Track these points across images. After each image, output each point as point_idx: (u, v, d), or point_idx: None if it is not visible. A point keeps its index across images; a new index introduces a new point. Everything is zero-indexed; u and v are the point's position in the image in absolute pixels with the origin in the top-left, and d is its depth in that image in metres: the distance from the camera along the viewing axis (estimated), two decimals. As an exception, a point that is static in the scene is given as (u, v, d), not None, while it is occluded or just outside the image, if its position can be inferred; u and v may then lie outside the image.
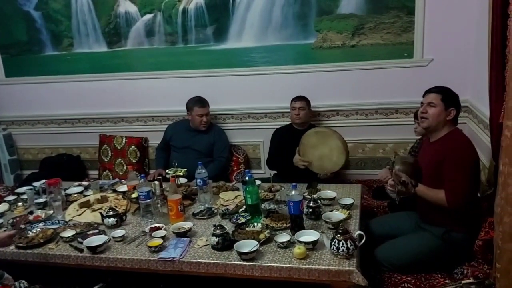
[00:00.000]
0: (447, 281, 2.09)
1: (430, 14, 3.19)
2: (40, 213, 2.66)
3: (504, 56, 1.96)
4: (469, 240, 2.17)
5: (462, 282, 1.92)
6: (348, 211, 2.39)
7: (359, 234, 2.05)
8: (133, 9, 3.74)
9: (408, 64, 3.33)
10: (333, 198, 2.54)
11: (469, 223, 2.21)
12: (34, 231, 2.40)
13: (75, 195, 2.96)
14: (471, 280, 1.91)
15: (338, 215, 2.32)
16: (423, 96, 2.33)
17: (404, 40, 3.29)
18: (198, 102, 3.45)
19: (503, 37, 1.97)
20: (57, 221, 2.55)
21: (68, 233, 2.33)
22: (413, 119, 2.98)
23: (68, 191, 3.01)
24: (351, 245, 1.92)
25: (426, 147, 2.41)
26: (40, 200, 2.85)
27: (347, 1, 3.31)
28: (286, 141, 3.28)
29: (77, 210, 2.67)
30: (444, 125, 2.25)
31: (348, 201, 2.49)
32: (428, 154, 2.32)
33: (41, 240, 2.29)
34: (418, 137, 2.99)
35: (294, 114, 3.30)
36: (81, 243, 2.23)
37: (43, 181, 2.99)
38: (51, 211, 2.67)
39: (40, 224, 2.51)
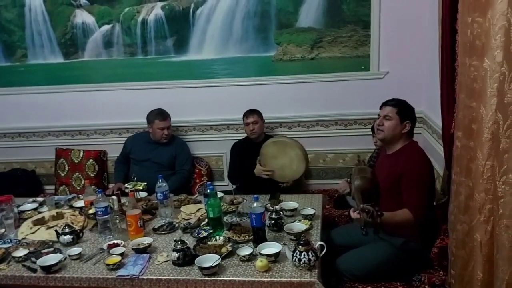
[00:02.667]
0: (405, 289, 2.15)
1: (385, 28, 3.31)
2: (-9, 232, 2.53)
3: (454, 70, 2.05)
4: (426, 248, 2.24)
5: (418, 290, 1.98)
6: (310, 222, 2.40)
7: (320, 245, 2.06)
8: (90, 19, 3.66)
9: (365, 76, 3.43)
10: (295, 209, 2.56)
11: (426, 232, 2.27)
12: (-16, 252, 2.28)
13: (29, 212, 2.82)
14: (426, 288, 1.96)
15: (299, 226, 2.33)
16: (380, 108, 2.39)
17: (361, 53, 3.39)
18: (159, 115, 3.40)
19: (452, 51, 2.06)
20: (9, 240, 2.42)
21: (21, 252, 2.22)
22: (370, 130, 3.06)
23: (22, 208, 2.87)
24: (312, 256, 1.93)
25: (383, 159, 2.47)
26: (-9, 219, 2.71)
27: (305, 15, 3.38)
28: (245, 154, 3.29)
29: (31, 227, 2.55)
30: (400, 138, 2.33)
31: (309, 211, 2.51)
32: (386, 168, 2.38)
33: (-9, 261, 2.17)
34: (377, 148, 3.07)
35: (249, 130, 3.31)
36: (35, 262, 2.12)
37: (-6, 198, 2.85)
38: (3, 230, 2.53)
39: (-9, 244, 2.39)
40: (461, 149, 1.77)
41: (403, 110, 2.31)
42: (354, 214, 2.06)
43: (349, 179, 2.46)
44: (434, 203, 2.47)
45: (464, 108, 1.73)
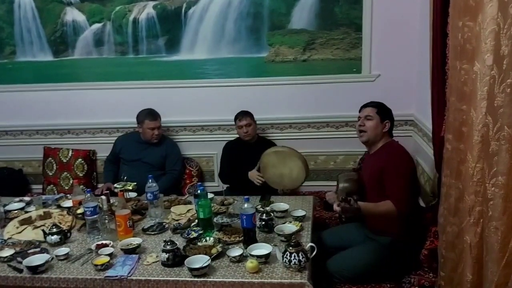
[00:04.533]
0: (395, 291, 2.15)
1: (377, 31, 3.32)
2: (-24, 232, 2.48)
3: (444, 73, 2.06)
4: (415, 250, 2.25)
5: (407, 291, 1.98)
6: (300, 223, 2.40)
7: (311, 246, 2.06)
8: (81, 17, 3.63)
9: (356, 79, 3.45)
10: (286, 210, 2.56)
11: (415, 233, 2.29)
12: (-31, 251, 2.24)
13: (16, 211, 2.79)
14: (415, 290, 1.97)
15: (290, 227, 2.32)
16: (360, 111, 2.46)
17: (353, 55, 3.41)
18: (149, 115, 3.37)
19: (443, 54, 2.07)
20: (-6, 240, 2.39)
21: (6, 252, 2.19)
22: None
23: (8, 207, 2.82)
24: (302, 258, 1.93)
25: (367, 159, 2.55)
26: (-24, 218, 2.66)
27: (298, 17, 3.39)
28: (237, 154, 3.27)
29: (17, 227, 2.51)
30: (381, 137, 2.40)
31: (300, 213, 2.51)
32: (369, 167, 2.44)
33: (-24, 261, 2.13)
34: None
35: (242, 132, 3.27)
36: (21, 262, 2.09)
37: (-20, 197, 2.81)
38: (-12, 229, 2.50)
39: (-24, 244, 2.34)
40: (451, 151, 1.78)
41: (382, 110, 2.41)
42: (335, 207, 2.18)
43: (336, 188, 2.49)
44: (424, 205, 2.50)
45: (454, 111, 1.74)
